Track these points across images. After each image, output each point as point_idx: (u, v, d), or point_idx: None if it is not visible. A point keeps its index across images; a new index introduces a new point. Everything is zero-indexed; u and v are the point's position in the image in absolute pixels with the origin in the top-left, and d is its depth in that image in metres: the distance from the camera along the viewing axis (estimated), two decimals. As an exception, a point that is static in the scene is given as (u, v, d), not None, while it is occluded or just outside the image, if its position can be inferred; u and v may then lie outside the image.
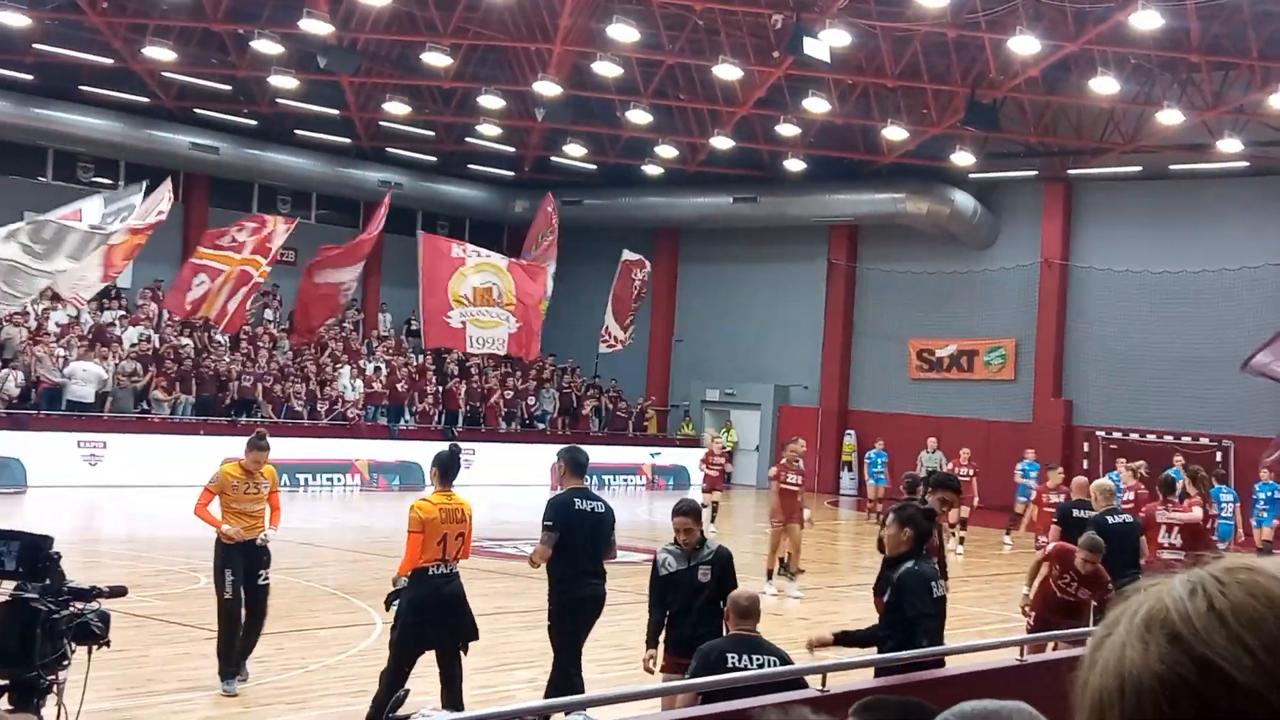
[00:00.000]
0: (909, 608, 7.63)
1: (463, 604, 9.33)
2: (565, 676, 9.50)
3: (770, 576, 17.43)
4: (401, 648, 9.15)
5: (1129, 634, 1.07)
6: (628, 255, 31.28)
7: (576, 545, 9.47)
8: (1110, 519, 12.93)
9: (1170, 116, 29.01)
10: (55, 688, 5.09)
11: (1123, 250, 33.09)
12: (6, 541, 5.10)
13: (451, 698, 9.39)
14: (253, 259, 20.31)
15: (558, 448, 34.05)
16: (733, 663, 7.26)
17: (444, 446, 9.87)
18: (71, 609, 5.15)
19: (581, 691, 9.22)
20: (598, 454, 34.67)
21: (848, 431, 36.88)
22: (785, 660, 7.47)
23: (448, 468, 9.35)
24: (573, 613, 9.61)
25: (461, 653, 9.48)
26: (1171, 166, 32.26)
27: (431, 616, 9.12)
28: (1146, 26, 25.08)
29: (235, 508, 10.58)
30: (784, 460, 18.21)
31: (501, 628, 13.97)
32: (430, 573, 9.15)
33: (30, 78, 30.99)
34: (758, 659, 7.25)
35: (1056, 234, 34.27)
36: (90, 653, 5.30)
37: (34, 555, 5.11)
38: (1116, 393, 32.79)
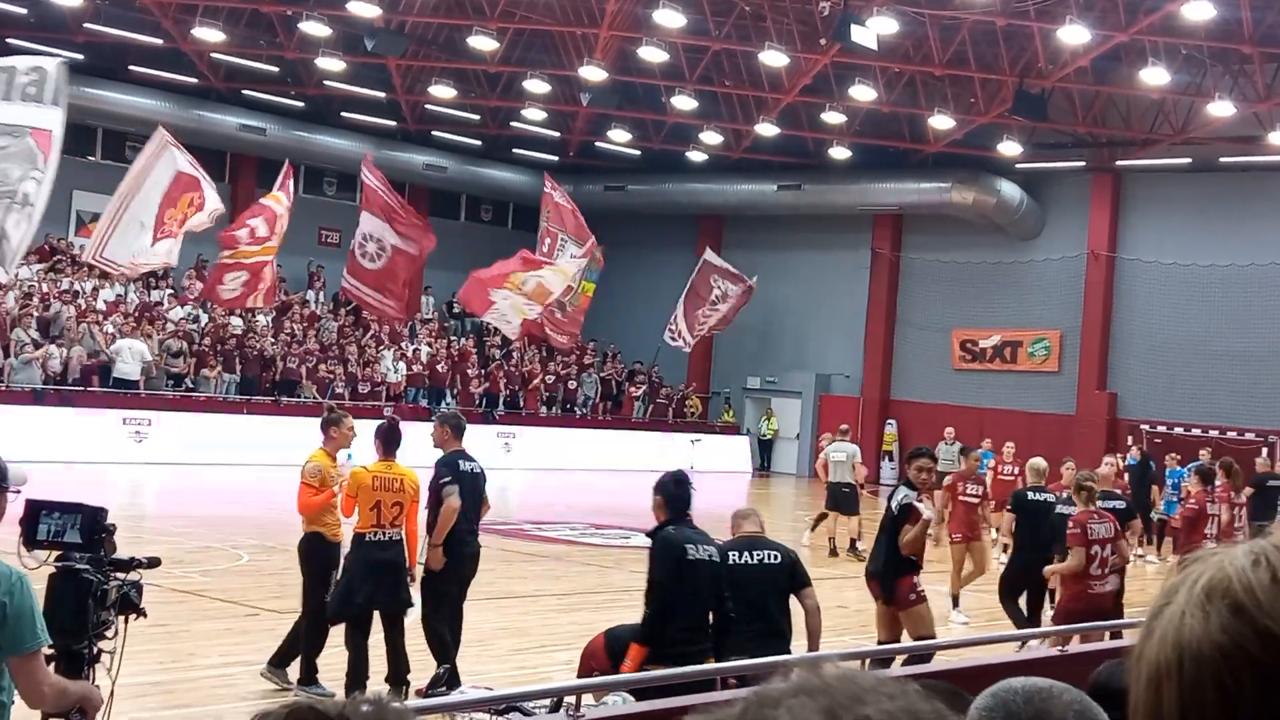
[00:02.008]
0: (651, 573, 7.51)
1: (400, 572, 9.55)
2: (437, 630, 9.75)
3: (956, 603, 14.97)
4: (335, 610, 9.45)
5: (1189, 604, 1.04)
6: (710, 257, 30.77)
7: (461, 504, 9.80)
8: (1029, 495, 13.50)
9: (1221, 108, 28.70)
10: (102, 658, 5.16)
11: (1171, 243, 32.78)
12: (71, 514, 5.17)
13: (401, 666, 9.47)
14: (270, 247, 20.43)
15: (599, 432, 34.06)
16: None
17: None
18: (116, 580, 5.22)
19: (449, 644, 9.63)
20: (639, 440, 34.83)
21: (889, 421, 36.75)
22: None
23: (388, 439, 9.73)
24: (455, 569, 9.84)
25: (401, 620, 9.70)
26: (1221, 159, 31.90)
27: (361, 582, 9.37)
28: (1198, 17, 24.82)
29: (331, 503, 9.96)
30: (964, 467, 16.84)
31: (539, 610, 14.04)
32: (366, 539, 9.44)
33: (80, 57, 31.17)
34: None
35: (1104, 225, 33.98)
36: (127, 623, 5.37)
37: (92, 527, 5.19)
38: (1162, 386, 32.51)
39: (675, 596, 7.25)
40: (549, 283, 21.89)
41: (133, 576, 5.35)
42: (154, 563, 5.57)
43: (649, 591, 7.41)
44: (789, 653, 7.80)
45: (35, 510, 5.15)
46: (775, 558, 8.15)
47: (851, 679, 0.99)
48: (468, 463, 10.14)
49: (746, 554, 8.09)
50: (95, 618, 5.09)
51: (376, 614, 9.55)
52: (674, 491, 7.59)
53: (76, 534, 5.15)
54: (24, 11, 29.50)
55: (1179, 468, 23.63)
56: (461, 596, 10.17)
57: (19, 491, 4.66)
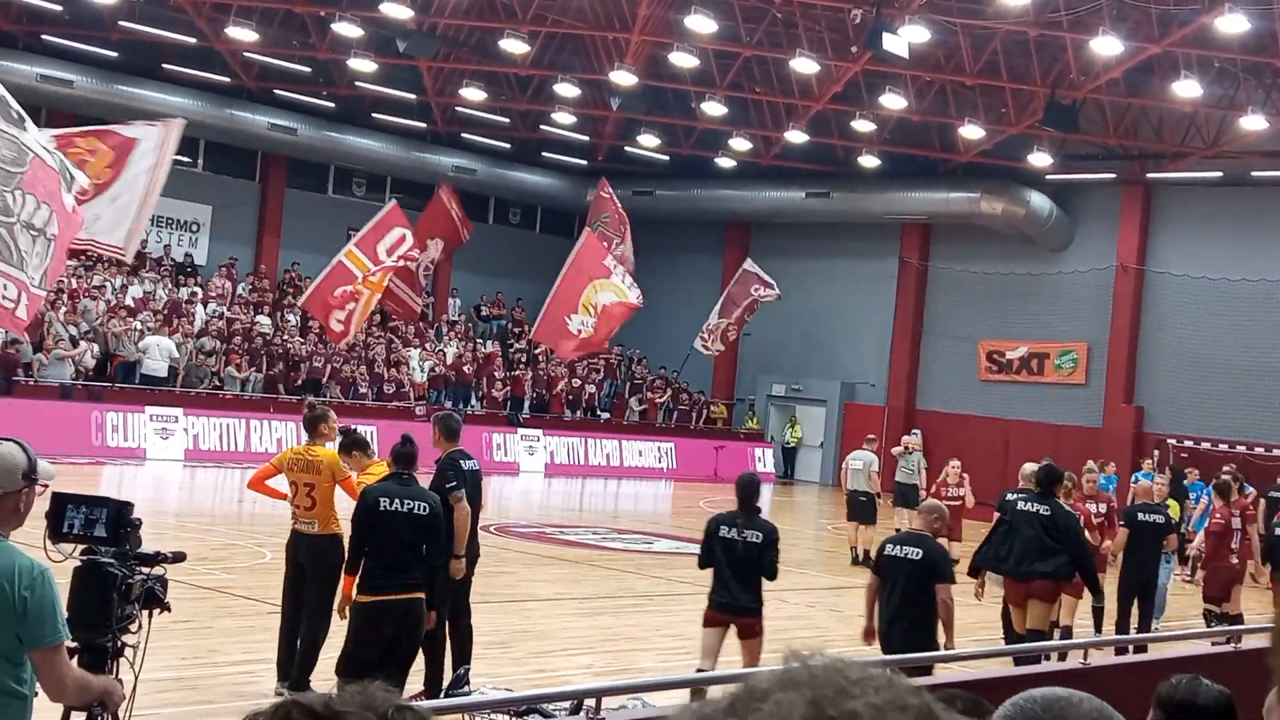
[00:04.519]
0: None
1: None
2: (456, 628, 9.87)
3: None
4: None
5: None
6: (749, 266, 30.95)
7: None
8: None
9: (1253, 122, 28.54)
10: (125, 652, 5.17)
11: (1201, 256, 32.61)
12: (97, 508, 5.19)
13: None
14: (377, 283, 18.52)
15: (623, 440, 33.86)
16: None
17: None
18: (140, 574, 5.23)
19: (467, 640, 9.87)
20: (663, 446, 34.89)
21: (914, 431, 36.61)
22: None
23: (362, 443, 9.91)
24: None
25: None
26: (1253, 173, 31.72)
27: None
28: (1232, 30, 24.70)
29: None
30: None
31: (560, 614, 14.05)
32: None
33: (115, 55, 31.42)
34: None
35: (1133, 238, 33.83)
36: (151, 617, 5.39)
37: (118, 521, 5.21)
38: (1190, 401, 32.33)
39: (372, 539, 8.32)
40: (603, 297, 20.94)
41: (157, 571, 5.36)
42: (179, 557, 5.58)
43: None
44: (911, 634, 8.91)
45: (61, 503, 5.18)
46: (917, 554, 9.16)
47: (838, 671, 0.99)
48: (467, 462, 10.09)
49: (897, 547, 9.36)
50: (119, 612, 5.10)
51: None
52: (397, 451, 8.68)
53: (102, 528, 5.17)
54: (59, 9, 29.71)
55: (1199, 481, 23.50)
56: (462, 594, 10.01)
57: (46, 486, 4.68)
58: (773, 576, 9.54)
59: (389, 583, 8.29)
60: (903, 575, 9.16)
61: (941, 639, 9.13)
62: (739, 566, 9.41)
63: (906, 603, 9.11)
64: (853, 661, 1.02)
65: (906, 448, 22.86)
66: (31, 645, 4.28)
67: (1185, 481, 24.04)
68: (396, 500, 8.39)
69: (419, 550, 8.45)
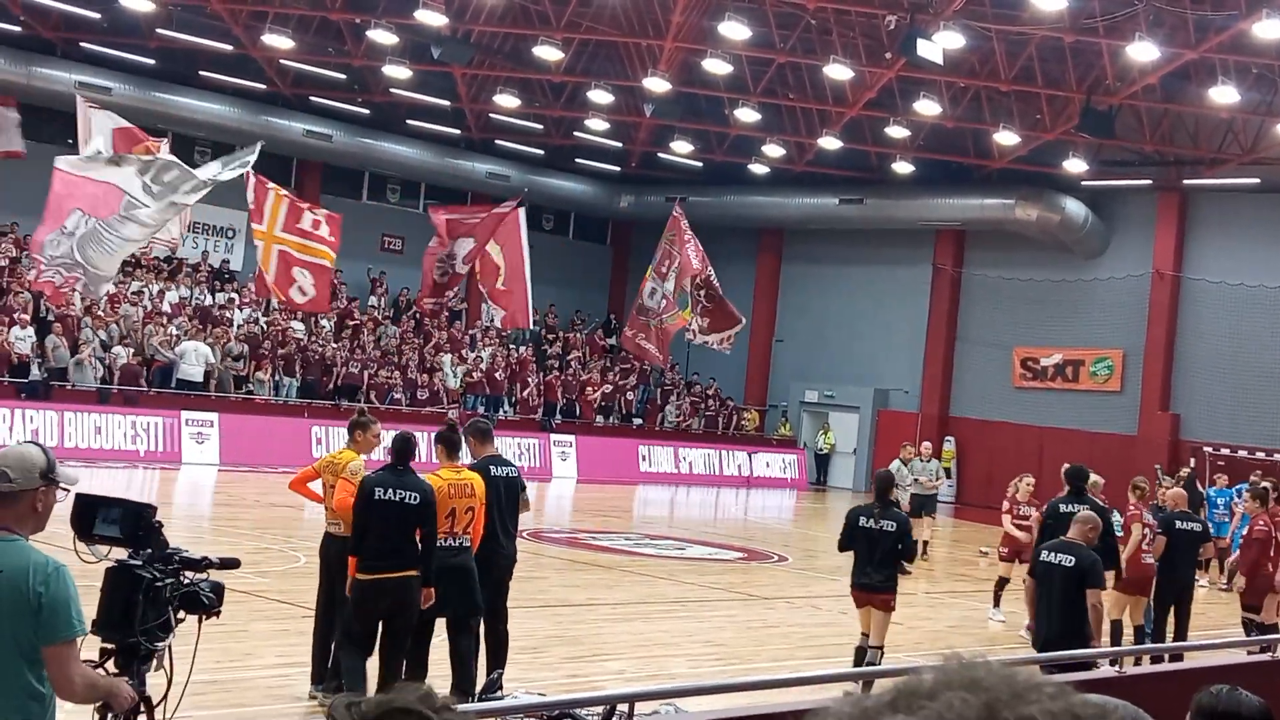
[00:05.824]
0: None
1: (470, 577, 9.54)
2: (494, 633, 9.95)
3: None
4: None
5: None
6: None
7: (491, 508, 9.86)
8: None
9: (1292, 128, 28.36)
10: (159, 655, 5.16)
11: (1238, 263, 32.38)
12: (109, 507, 5.20)
13: (463, 675, 9.48)
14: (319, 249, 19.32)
15: (654, 445, 33.74)
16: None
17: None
18: (179, 578, 5.22)
19: (504, 645, 10.00)
20: (694, 453, 34.86)
21: (947, 438, 36.50)
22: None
23: (453, 444, 9.83)
24: (484, 571, 9.81)
25: (472, 628, 9.73)
26: (1291, 179, 31.50)
27: (437, 588, 9.35)
28: (1269, 35, 24.55)
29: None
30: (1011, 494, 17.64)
31: (593, 619, 14.07)
32: (438, 545, 9.39)
33: (152, 62, 31.66)
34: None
35: (1169, 245, 33.61)
36: (200, 622, 5.39)
37: (135, 523, 5.19)
38: (1227, 408, 32.09)
39: (368, 524, 8.96)
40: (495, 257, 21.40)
41: (203, 576, 5.32)
42: (228, 563, 5.49)
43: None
44: (1062, 635, 9.46)
45: (83, 505, 5.19)
46: (1070, 561, 9.72)
47: (1008, 676, 0.99)
48: (499, 468, 10.09)
49: (1052, 554, 9.91)
50: (148, 615, 5.07)
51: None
52: (394, 445, 9.26)
53: (115, 528, 5.16)
54: (98, 16, 29.95)
55: (1227, 488, 23.34)
56: (498, 598, 10.03)
57: (68, 491, 4.70)
58: (911, 559, 12.03)
59: (384, 564, 8.93)
60: (1057, 580, 9.76)
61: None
62: (876, 552, 10.99)
63: (1058, 606, 9.75)
64: (1017, 667, 1.03)
65: (919, 455, 22.78)
66: (45, 640, 4.30)
67: (1225, 487, 23.89)
68: (390, 490, 8.98)
69: (412, 535, 9.05)
